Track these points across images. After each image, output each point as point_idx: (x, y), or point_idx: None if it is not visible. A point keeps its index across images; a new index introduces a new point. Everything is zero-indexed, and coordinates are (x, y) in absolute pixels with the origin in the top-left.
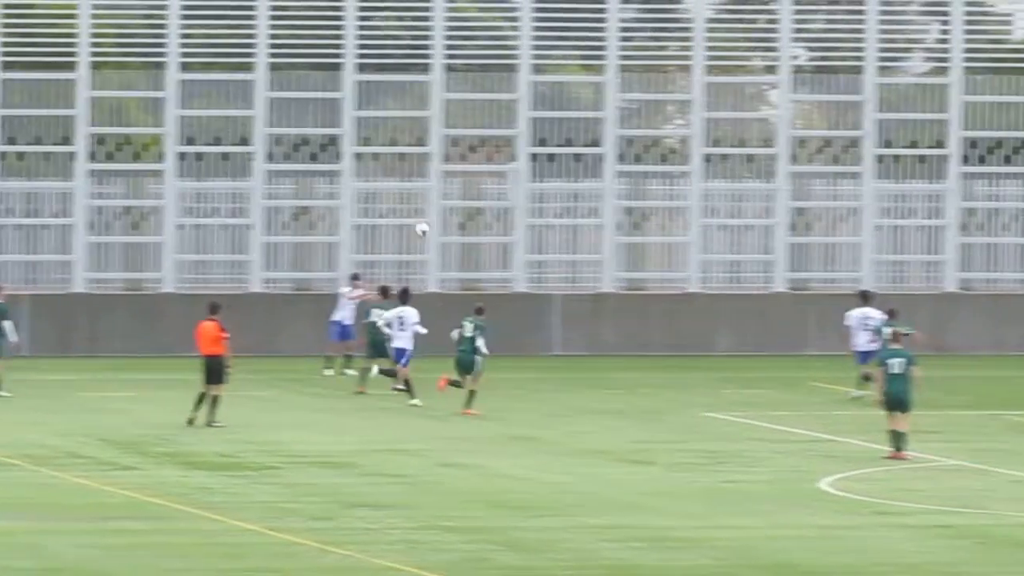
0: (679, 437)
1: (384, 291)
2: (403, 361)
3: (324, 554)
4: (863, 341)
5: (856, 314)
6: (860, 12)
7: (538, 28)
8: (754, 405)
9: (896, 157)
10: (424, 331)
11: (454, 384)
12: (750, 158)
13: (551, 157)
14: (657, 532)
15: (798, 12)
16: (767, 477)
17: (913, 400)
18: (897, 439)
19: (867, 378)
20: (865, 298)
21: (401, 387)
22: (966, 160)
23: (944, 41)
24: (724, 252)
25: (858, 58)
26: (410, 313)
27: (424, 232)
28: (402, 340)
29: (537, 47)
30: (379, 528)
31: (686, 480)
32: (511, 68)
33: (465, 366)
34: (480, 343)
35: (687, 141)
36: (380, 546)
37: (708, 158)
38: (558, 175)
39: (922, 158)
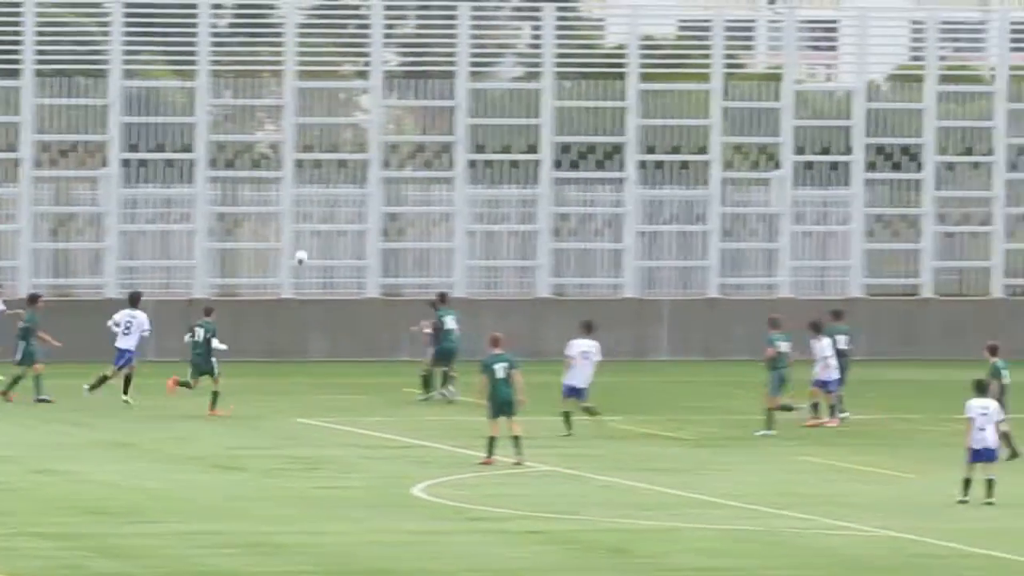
0: (273, 443)
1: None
2: (119, 363)
3: None
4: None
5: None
6: (452, 17)
7: (129, 32)
8: (348, 411)
9: (488, 162)
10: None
11: (183, 385)
12: (342, 163)
13: (143, 162)
14: (251, 538)
15: (389, 16)
16: (361, 483)
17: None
18: (491, 445)
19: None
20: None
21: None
22: (558, 165)
23: (536, 46)
24: (316, 258)
25: (450, 63)
26: (141, 318)
27: (301, 261)
28: (126, 342)
29: (128, 51)
30: None
31: (280, 486)
32: (102, 73)
33: (201, 368)
34: (216, 343)
35: (279, 146)
36: None
37: (300, 163)
38: (150, 180)
39: (515, 163)
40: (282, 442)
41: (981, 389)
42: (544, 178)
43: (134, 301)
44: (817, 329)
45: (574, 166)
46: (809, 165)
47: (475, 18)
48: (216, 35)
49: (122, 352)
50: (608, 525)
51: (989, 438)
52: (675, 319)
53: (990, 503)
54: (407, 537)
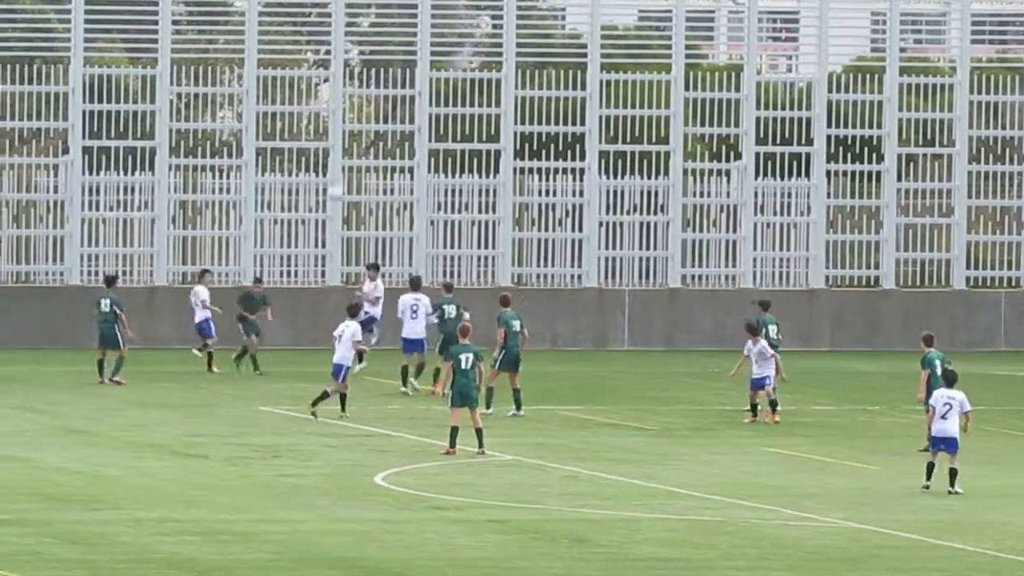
0: (235, 431)
1: None
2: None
3: None
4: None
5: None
6: (412, 6)
7: (90, 20)
8: (308, 399)
9: (449, 151)
10: None
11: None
12: (303, 152)
13: (104, 150)
14: (212, 526)
15: (350, 5)
16: (322, 471)
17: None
18: (453, 435)
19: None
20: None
21: None
22: (520, 155)
23: (497, 35)
24: (278, 246)
25: (411, 51)
26: (425, 300)
27: (337, 196)
28: (414, 329)
29: (89, 39)
30: None
31: (241, 474)
32: (62, 60)
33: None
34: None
35: (240, 135)
36: None
37: (261, 152)
38: (111, 168)
39: (476, 152)
40: (243, 430)
41: (950, 379)
42: (505, 167)
43: (416, 284)
44: (754, 332)
45: (535, 155)
46: (770, 156)
47: (436, 7)
48: (177, 23)
49: (412, 342)
50: (570, 515)
51: (951, 428)
52: (636, 309)
53: (955, 492)
54: (368, 526)
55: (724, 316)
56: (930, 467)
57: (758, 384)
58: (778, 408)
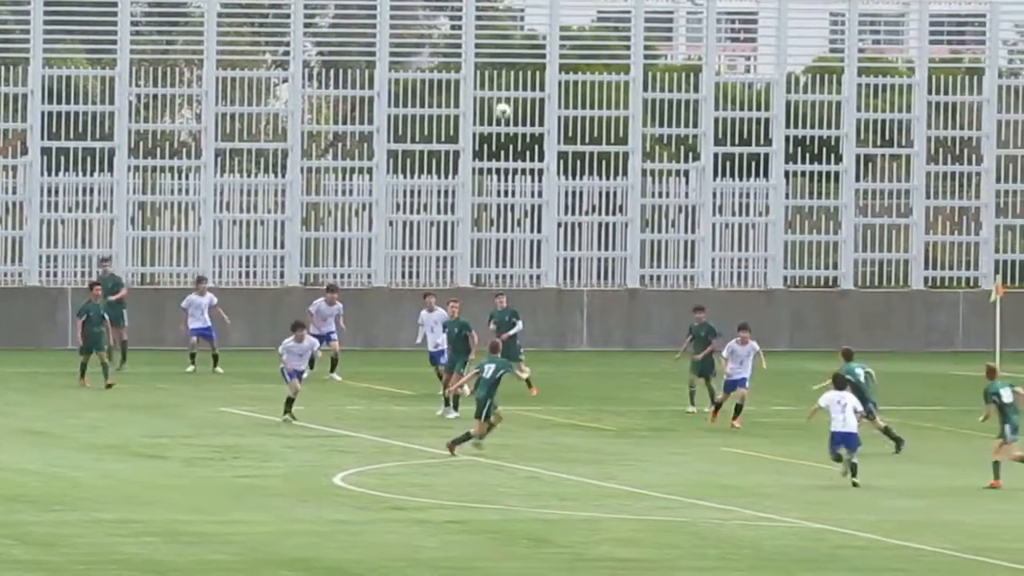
0: (194, 431)
1: None
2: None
3: None
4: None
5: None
6: (371, 6)
7: (49, 20)
8: (269, 400)
9: (408, 152)
10: None
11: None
12: (262, 152)
13: (63, 150)
14: (172, 526)
15: (308, 6)
16: (283, 472)
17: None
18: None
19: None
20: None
21: None
22: (478, 155)
23: (456, 36)
24: (237, 247)
25: (369, 52)
26: None
27: (504, 111)
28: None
29: (48, 39)
30: None
31: (201, 475)
32: (21, 61)
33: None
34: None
35: (199, 135)
36: None
37: (219, 152)
38: (70, 169)
39: (434, 153)
40: (203, 430)
41: (839, 383)
42: (464, 168)
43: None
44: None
45: (494, 156)
46: (729, 156)
47: (395, 7)
48: (136, 23)
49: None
50: (529, 515)
51: (850, 423)
52: (595, 309)
53: (855, 484)
54: (328, 526)
55: (683, 316)
56: (839, 458)
57: (732, 386)
58: (741, 412)
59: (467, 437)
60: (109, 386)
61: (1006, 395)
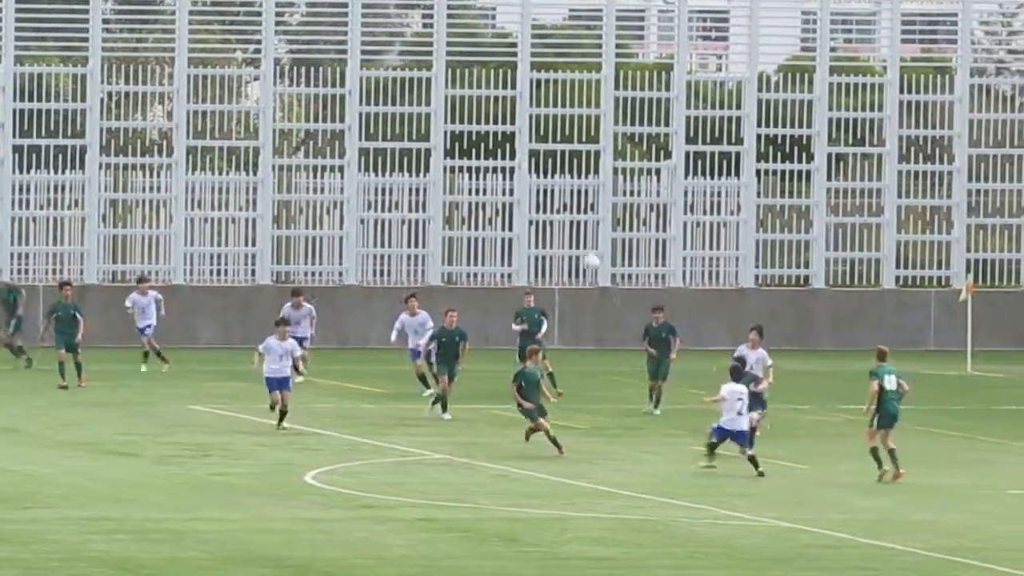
0: (165, 430)
1: None
2: None
3: None
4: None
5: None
6: (343, 4)
7: (20, 20)
8: (239, 398)
9: (380, 150)
10: None
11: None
12: (234, 150)
13: (34, 148)
14: (143, 524)
15: (280, 4)
16: (253, 470)
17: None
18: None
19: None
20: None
21: None
22: (450, 153)
23: (427, 34)
24: (208, 245)
25: (341, 50)
26: None
27: (592, 264)
28: None
29: (19, 37)
30: None
31: (172, 473)
32: None
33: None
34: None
35: (170, 133)
36: None
37: (191, 150)
38: (42, 166)
39: (406, 151)
40: (174, 428)
41: (735, 374)
42: (435, 166)
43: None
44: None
45: (465, 154)
46: (700, 155)
47: (366, 5)
48: (107, 21)
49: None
50: (500, 513)
51: (742, 423)
52: (566, 308)
53: (760, 474)
54: (299, 525)
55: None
56: (712, 446)
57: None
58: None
59: (556, 443)
60: (81, 385)
61: (889, 382)
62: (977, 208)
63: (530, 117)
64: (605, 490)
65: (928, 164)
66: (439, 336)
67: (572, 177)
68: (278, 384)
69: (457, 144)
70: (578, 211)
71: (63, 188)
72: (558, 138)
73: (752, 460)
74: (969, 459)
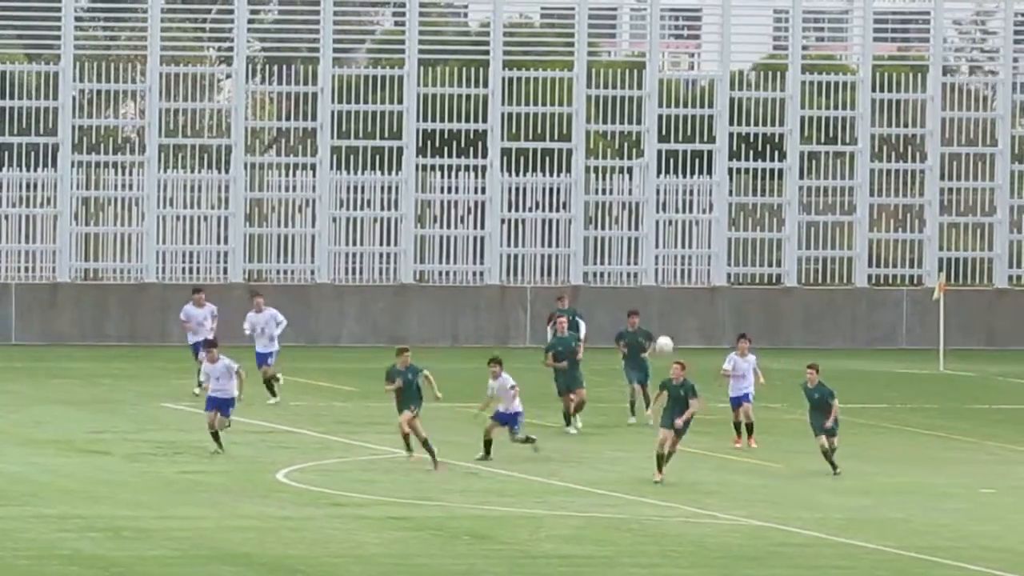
0: (137, 427)
1: None
2: None
3: None
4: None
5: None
6: (315, 2)
7: None
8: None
9: (352, 148)
10: None
11: None
12: (205, 148)
13: (6, 146)
14: (114, 522)
15: (252, 2)
16: (225, 468)
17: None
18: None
19: None
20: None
21: None
22: (422, 152)
23: (399, 32)
24: (180, 243)
25: (313, 48)
26: None
27: (666, 347)
28: None
29: None
30: None
31: (143, 470)
32: None
33: None
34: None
35: (142, 131)
36: None
37: (163, 148)
38: (14, 164)
39: (378, 149)
40: (146, 426)
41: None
42: (407, 164)
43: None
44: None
45: (437, 152)
46: (672, 153)
47: (338, 4)
48: (80, 19)
49: None
50: (471, 512)
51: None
52: (538, 306)
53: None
54: (270, 523)
55: (626, 313)
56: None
57: (737, 403)
58: (753, 430)
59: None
60: None
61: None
62: (949, 207)
63: (502, 115)
64: (577, 488)
65: (900, 163)
66: (394, 375)
67: (544, 175)
68: (216, 405)
69: (429, 142)
70: (550, 209)
71: (35, 186)
72: (530, 136)
73: (528, 440)
74: (942, 457)
